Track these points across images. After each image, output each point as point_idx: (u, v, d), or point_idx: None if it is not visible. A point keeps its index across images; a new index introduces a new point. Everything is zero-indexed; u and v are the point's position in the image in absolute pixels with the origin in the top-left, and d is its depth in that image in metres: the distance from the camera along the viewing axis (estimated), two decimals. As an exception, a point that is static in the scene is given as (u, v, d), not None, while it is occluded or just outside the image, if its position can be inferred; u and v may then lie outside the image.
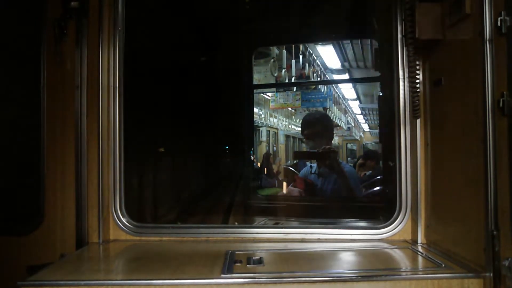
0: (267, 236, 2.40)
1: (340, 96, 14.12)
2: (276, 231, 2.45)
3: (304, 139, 4.11)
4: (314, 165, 3.91)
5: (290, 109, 15.38)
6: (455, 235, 1.96)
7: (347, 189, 3.76)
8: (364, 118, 18.00)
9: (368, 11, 3.18)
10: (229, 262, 1.89)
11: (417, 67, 2.17)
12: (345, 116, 16.05)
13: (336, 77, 10.56)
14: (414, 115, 2.22)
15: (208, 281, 1.71)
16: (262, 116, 14.45)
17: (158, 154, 3.76)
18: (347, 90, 13.79)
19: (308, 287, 1.72)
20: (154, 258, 2.06)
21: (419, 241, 2.24)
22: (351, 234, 2.37)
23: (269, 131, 15.44)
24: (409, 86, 2.21)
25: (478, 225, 1.70)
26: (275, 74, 8.02)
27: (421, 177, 2.23)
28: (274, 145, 16.16)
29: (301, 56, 8.99)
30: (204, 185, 4.54)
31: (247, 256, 1.98)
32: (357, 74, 9.55)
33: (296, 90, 11.63)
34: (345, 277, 1.75)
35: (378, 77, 3.05)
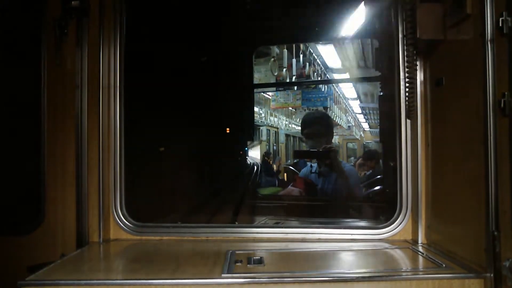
0: (268, 236, 2.41)
1: (341, 95, 14.10)
2: (276, 230, 2.45)
3: (304, 139, 4.10)
4: (315, 164, 3.91)
5: (290, 108, 15.38)
6: (455, 235, 1.96)
7: (347, 188, 3.75)
8: (364, 118, 17.97)
9: (369, 10, 3.17)
10: (230, 262, 1.90)
11: (416, 68, 2.17)
12: (346, 115, 16.04)
13: (336, 76, 10.55)
14: (409, 115, 2.22)
15: (209, 281, 1.72)
16: (263, 115, 14.45)
17: (157, 153, 3.76)
18: (348, 89, 13.77)
19: (308, 287, 1.72)
20: (155, 258, 2.07)
21: (419, 241, 2.24)
22: (351, 234, 2.37)
23: (269, 130, 15.44)
24: (407, 87, 2.20)
25: (478, 225, 1.70)
26: (275, 73, 8.01)
27: (421, 177, 2.23)
28: (275, 144, 16.16)
29: (301, 55, 8.98)
30: (202, 184, 4.54)
31: (247, 256, 1.98)
32: (358, 74, 9.53)
33: (296, 89, 11.62)
34: (345, 277, 1.75)
35: (379, 76, 3.05)
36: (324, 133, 3.93)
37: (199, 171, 4.38)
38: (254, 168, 6.41)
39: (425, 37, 2.05)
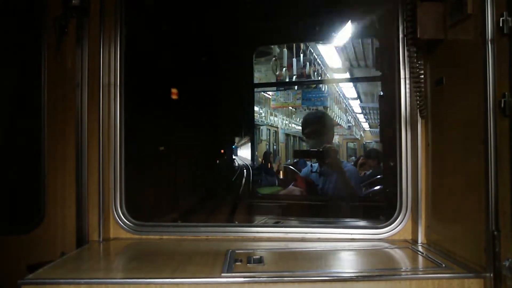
0: (268, 235, 2.41)
1: (341, 95, 14.10)
2: (276, 230, 2.45)
3: (305, 138, 4.10)
4: (315, 164, 3.91)
5: (290, 108, 15.37)
6: (455, 235, 1.96)
7: (348, 188, 3.75)
8: (364, 117, 17.99)
9: (370, 10, 3.17)
10: (229, 261, 1.90)
11: (419, 67, 2.17)
12: (346, 115, 16.03)
13: (336, 76, 10.54)
14: (421, 115, 2.21)
15: (209, 280, 1.72)
16: (263, 114, 14.44)
17: (156, 153, 3.75)
18: (348, 89, 13.77)
19: (308, 287, 1.72)
20: (155, 257, 2.07)
21: (419, 241, 2.24)
22: (351, 234, 2.37)
23: (269, 129, 15.43)
24: (413, 87, 2.20)
25: (478, 225, 1.70)
26: (277, 73, 8.00)
27: (421, 177, 2.23)
28: (275, 143, 16.15)
29: (301, 55, 8.97)
30: (201, 184, 4.51)
31: (247, 255, 1.98)
32: (358, 73, 9.53)
33: (296, 89, 11.62)
34: (345, 276, 1.75)
35: (379, 76, 3.05)
36: (325, 133, 3.94)
37: (193, 170, 4.33)
38: (244, 172, 5.76)
39: (425, 37, 2.05)
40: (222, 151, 5.27)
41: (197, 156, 4.38)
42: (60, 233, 2.32)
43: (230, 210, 3.87)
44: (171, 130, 3.71)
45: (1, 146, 2.38)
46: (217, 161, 5.14)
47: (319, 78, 9.85)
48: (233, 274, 1.75)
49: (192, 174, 4.29)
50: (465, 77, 1.86)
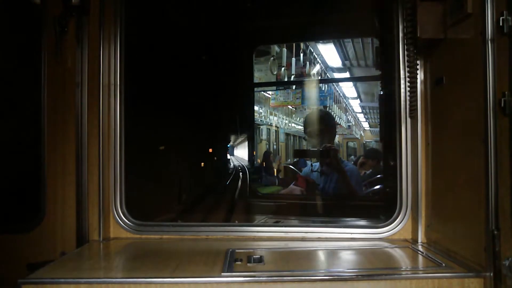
0: (268, 235, 2.41)
1: (341, 94, 14.10)
2: (276, 229, 2.45)
3: (307, 137, 4.11)
4: (315, 163, 3.91)
5: (290, 107, 15.37)
6: (455, 234, 1.96)
7: (348, 187, 3.75)
8: (364, 117, 17.99)
9: (370, 9, 3.17)
10: (230, 261, 1.90)
11: (417, 67, 2.17)
12: (346, 115, 16.04)
13: (336, 75, 10.54)
14: (410, 115, 2.22)
15: (209, 280, 1.72)
16: (263, 114, 14.45)
17: (156, 152, 3.74)
18: (348, 89, 13.77)
19: (308, 286, 1.72)
20: (155, 256, 2.07)
21: (419, 240, 2.24)
22: (351, 233, 2.37)
23: (269, 129, 15.43)
24: (408, 86, 2.20)
25: (478, 224, 1.70)
26: (275, 73, 8.00)
27: (421, 176, 2.23)
28: (275, 143, 16.16)
29: (301, 54, 8.96)
30: (201, 183, 4.49)
31: (247, 255, 1.98)
32: (358, 73, 9.53)
33: (296, 88, 11.63)
34: (345, 276, 1.75)
35: (379, 75, 3.05)
36: (327, 132, 3.94)
37: (192, 169, 4.31)
38: (240, 175, 5.68)
39: (425, 36, 2.05)
40: (219, 151, 5.28)
41: (197, 156, 4.39)
42: (60, 233, 2.32)
43: (229, 209, 3.87)
44: (169, 130, 3.71)
45: (1, 146, 2.38)
46: (219, 160, 5.19)
47: (319, 77, 9.85)
48: (233, 273, 1.75)
49: (191, 173, 4.30)
50: (465, 77, 1.86)
